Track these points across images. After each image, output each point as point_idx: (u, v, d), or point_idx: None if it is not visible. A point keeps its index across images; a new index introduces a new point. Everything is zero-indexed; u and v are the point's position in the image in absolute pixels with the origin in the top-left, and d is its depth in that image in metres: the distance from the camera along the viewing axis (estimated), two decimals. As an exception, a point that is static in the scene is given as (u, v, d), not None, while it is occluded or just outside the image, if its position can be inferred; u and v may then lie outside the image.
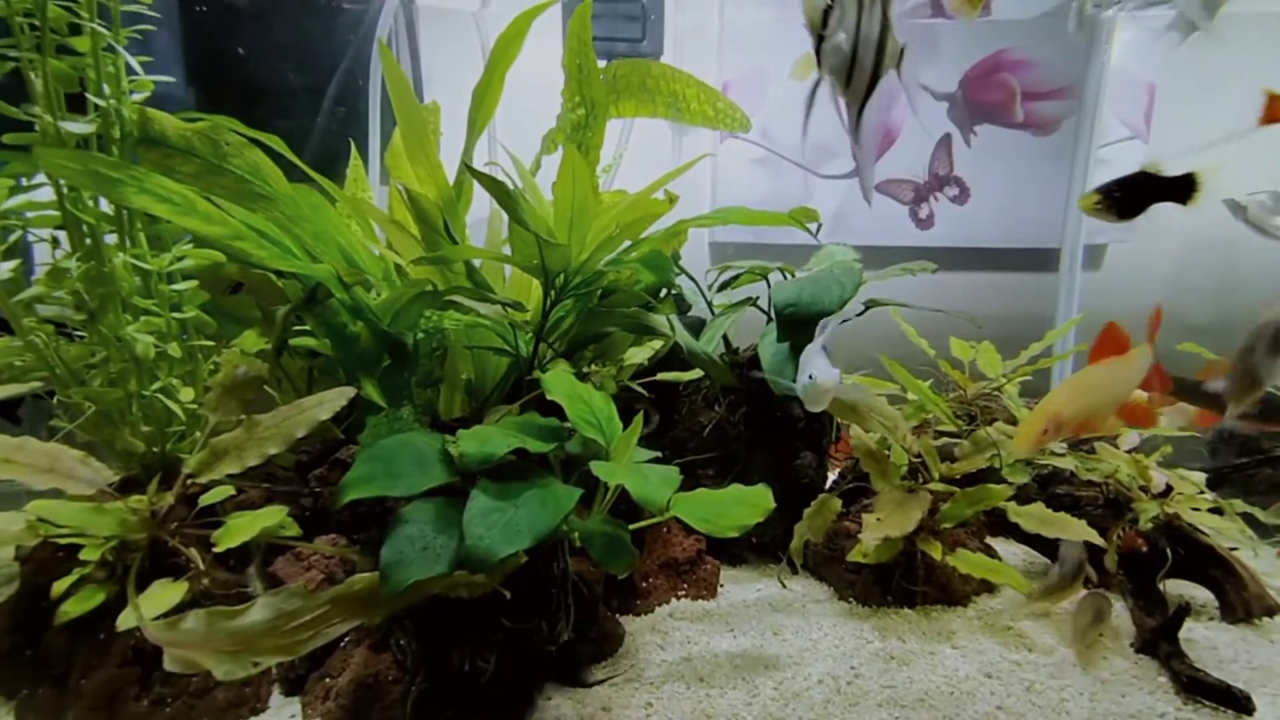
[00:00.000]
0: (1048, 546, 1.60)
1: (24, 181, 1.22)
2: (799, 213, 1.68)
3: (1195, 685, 1.14)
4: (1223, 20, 1.61)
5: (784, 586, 1.54)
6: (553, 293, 1.44)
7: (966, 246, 2.74)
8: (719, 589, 1.52)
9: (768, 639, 1.32)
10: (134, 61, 1.25)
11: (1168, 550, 1.37)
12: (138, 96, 1.28)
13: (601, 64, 1.71)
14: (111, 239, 1.27)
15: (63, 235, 1.24)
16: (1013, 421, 1.66)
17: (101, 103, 1.21)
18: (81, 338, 1.28)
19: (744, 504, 1.23)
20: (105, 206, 1.27)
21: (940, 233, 2.74)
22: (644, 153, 2.36)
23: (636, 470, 1.15)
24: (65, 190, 1.18)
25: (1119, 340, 1.09)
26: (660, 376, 1.70)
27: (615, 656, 1.25)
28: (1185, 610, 1.24)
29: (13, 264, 1.13)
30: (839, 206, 2.75)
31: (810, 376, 1.14)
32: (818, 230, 1.75)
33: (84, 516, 1.04)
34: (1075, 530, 1.33)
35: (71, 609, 1.00)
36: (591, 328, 1.59)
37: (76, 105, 1.22)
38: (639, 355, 1.72)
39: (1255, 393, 1.10)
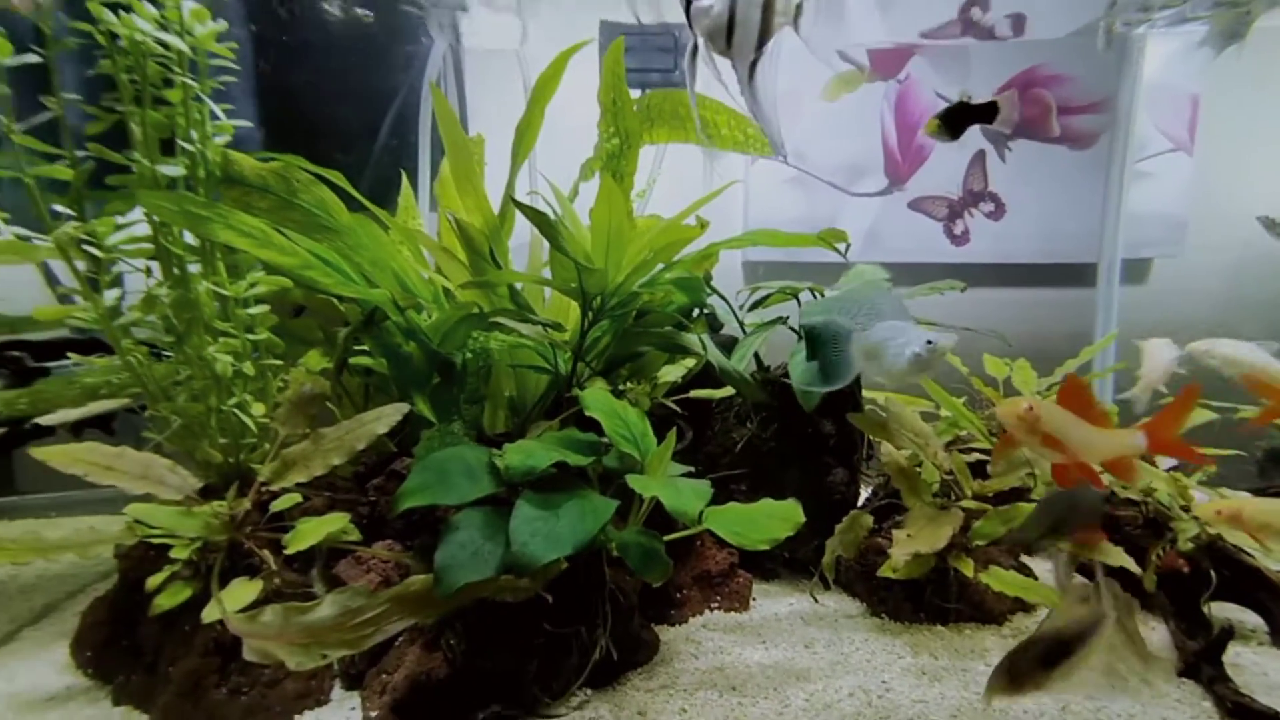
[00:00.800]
0: (1083, 565, 1.59)
1: (120, 219, 1.37)
2: (828, 234, 1.73)
3: (1241, 710, 1.12)
4: (1260, 33, 1.60)
5: (816, 601, 1.57)
6: (590, 314, 1.52)
7: (1003, 262, 2.72)
8: (751, 602, 1.56)
9: (799, 651, 1.35)
10: (217, 109, 1.39)
11: (1211, 572, 1.35)
12: (220, 139, 1.42)
13: (635, 94, 1.80)
14: (195, 268, 1.42)
15: (155, 265, 1.39)
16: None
17: (190, 147, 1.35)
18: (168, 357, 1.41)
19: (775, 518, 1.27)
20: (190, 239, 1.41)
21: (976, 249, 2.73)
22: (678, 175, 2.44)
23: (670, 483, 1.21)
24: (159, 226, 1.33)
25: (1080, 395, 1.05)
26: (693, 394, 1.76)
27: (650, 664, 1.30)
28: (1229, 633, 1.22)
29: (116, 293, 1.27)
30: (872, 224, 2.77)
31: (929, 342, 1.08)
32: (846, 250, 1.79)
33: (174, 519, 1.15)
34: (1110, 554, 1.32)
35: (164, 602, 1.11)
36: (627, 347, 1.66)
37: (167, 150, 1.37)
38: (673, 373, 1.79)
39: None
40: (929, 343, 1.09)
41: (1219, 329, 2.61)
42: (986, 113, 1.60)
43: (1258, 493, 1.71)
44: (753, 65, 1.05)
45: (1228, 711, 1.14)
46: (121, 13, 1.20)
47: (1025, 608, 1.50)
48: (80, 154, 1.26)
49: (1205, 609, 1.34)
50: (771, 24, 1.04)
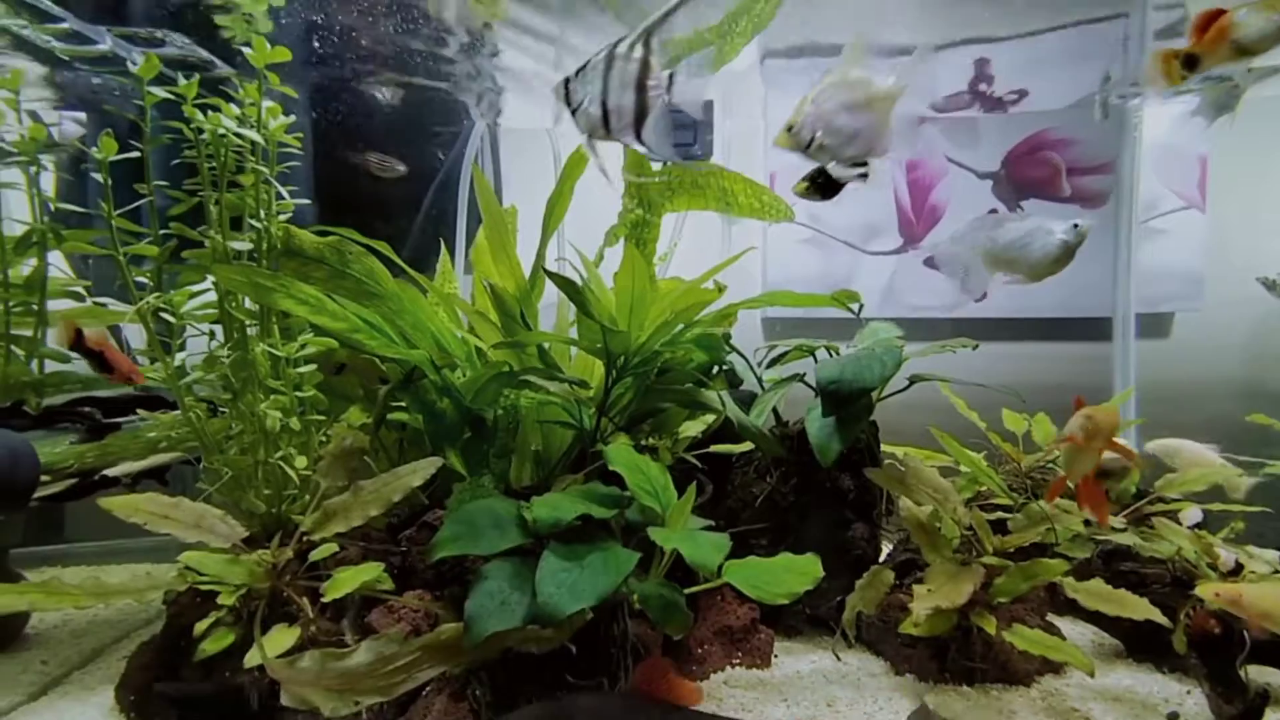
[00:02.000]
0: (1116, 625, 1.56)
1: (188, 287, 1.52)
2: (841, 295, 1.81)
3: (1281, 780, 1.09)
4: (1259, 102, 1.67)
5: (838, 659, 1.56)
6: (614, 372, 1.60)
7: (1021, 317, 2.75)
8: (773, 659, 1.55)
9: (822, 710, 1.34)
10: (283, 190, 1.55)
11: (1245, 633, 1.32)
12: (282, 217, 1.58)
13: (656, 166, 1.94)
14: (253, 331, 1.55)
15: (217, 329, 1.53)
16: (1069, 496, 1.65)
17: (257, 224, 1.50)
18: (223, 413, 1.53)
19: (794, 571, 1.30)
20: (248, 304, 1.55)
21: (994, 304, 2.77)
22: (698, 239, 2.57)
23: (690, 536, 1.25)
24: (224, 293, 1.47)
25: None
26: (713, 449, 1.81)
27: (672, 719, 1.31)
28: (1265, 697, 1.19)
29: (184, 355, 1.39)
30: (889, 281, 2.85)
31: (1075, 225, 1.11)
32: (859, 310, 1.85)
33: (223, 567, 1.23)
34: (1137, 609, 1.31)
35: (209, 647, 1.17)
36: (649, 403, 1.73)
37: (234, 225, 1.53)
38: (693, 429, 1.85)
39: None
40: (1075, 225, 1.12)
41: (1243, 383, 2.59)
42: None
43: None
44: (638, 136, 1.15)
45: (1270, 781, 1.10)
46: (209, 112, 1.38)
47: (1055, 669, 1.47)
48: (163, 232, 1.42)
49: (1242, 672, 1.30)
50: (648, 102, 1.12)
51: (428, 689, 1.24)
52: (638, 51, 1.10)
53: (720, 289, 1.68)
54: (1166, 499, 1.64)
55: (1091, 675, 1.34)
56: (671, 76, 1.11)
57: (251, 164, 1.48)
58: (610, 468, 1.36)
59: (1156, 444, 1.76)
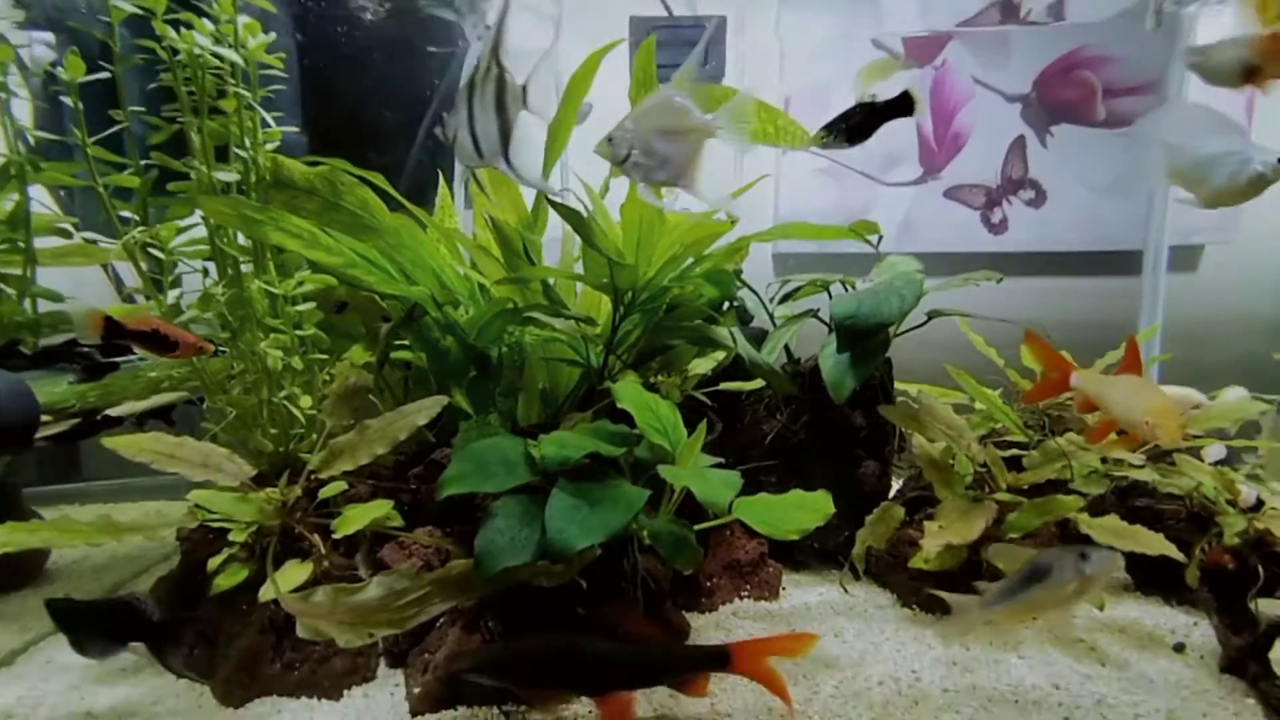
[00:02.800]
0: (1130, 560, 1.56)
1: (180, 223, 1.46)
2: (859, 226, 1.72)
3: (1287, 708, 1.10)
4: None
5: (846, 591, 1.57)
6: (622, 308, 1.55)
7: (1044, 250, 2.65)
8: (781, 591, 1.57)
9: (829, 640, 1.36)
10: (268, 116, 1.46)
11: (1259, 567, 1.31)
12: (270, 146, 1.49)
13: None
14: (248, 268, 1.49)
15: (211, 266, 1.47)
16: (1085, 432, 1.62)
17: (243, 154, 1.42)
18: (223, 352, 1.50)
19: (804, 508, 1.29)
20: (242, 240, 1.49)
21: (1014, 237, 2.67)
22: (708, 169, 2.44)
23: (700, 474, 1.23)
24: (215, 228, 1.41)
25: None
26: (723, 386, 1.77)
27: (681, 649, 1.33)
28: (1276, 629, 1.19)
29: (177, 293, 1.35)
30: (907, 214, 2.73)
31: (1278, 160, 1.02)
32: (879, 242, 1.77)
33: (232, 504, 1.23)
34: (1151, 543, 1.30)
35: (224, 582, 1.18)
36: (658, 340, 1.68)
37: (221, 155, 1.45)
38: (703, 366, 1.81)
39: None
40: (1278, 161, 1.03)
41: (1274, 319, 2.51)
42: (899, 108, 1.52)
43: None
44: (506, 158, 1.14)
45: (1273, 709, 1.11)
46: (182, 29, 1.27)
47: (1062, 602, 1.48)
48: (144, 163, 1.34)
49: (1252, 605, 1.30)
50: (509, 120, 1.13)
51: (441, 621, 1.26)
52: (493, 70, 1.08)
53: (732, 220, 1.60)
54: (1189, 436, 1.61)
55: (1101, 609, 1.35)
56: (525, 89, 1.09)
57: (233, 88, 1.39)
58: (619, 406, 1.33)
59: None
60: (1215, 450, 1.50)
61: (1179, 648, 1.31)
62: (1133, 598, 1.54)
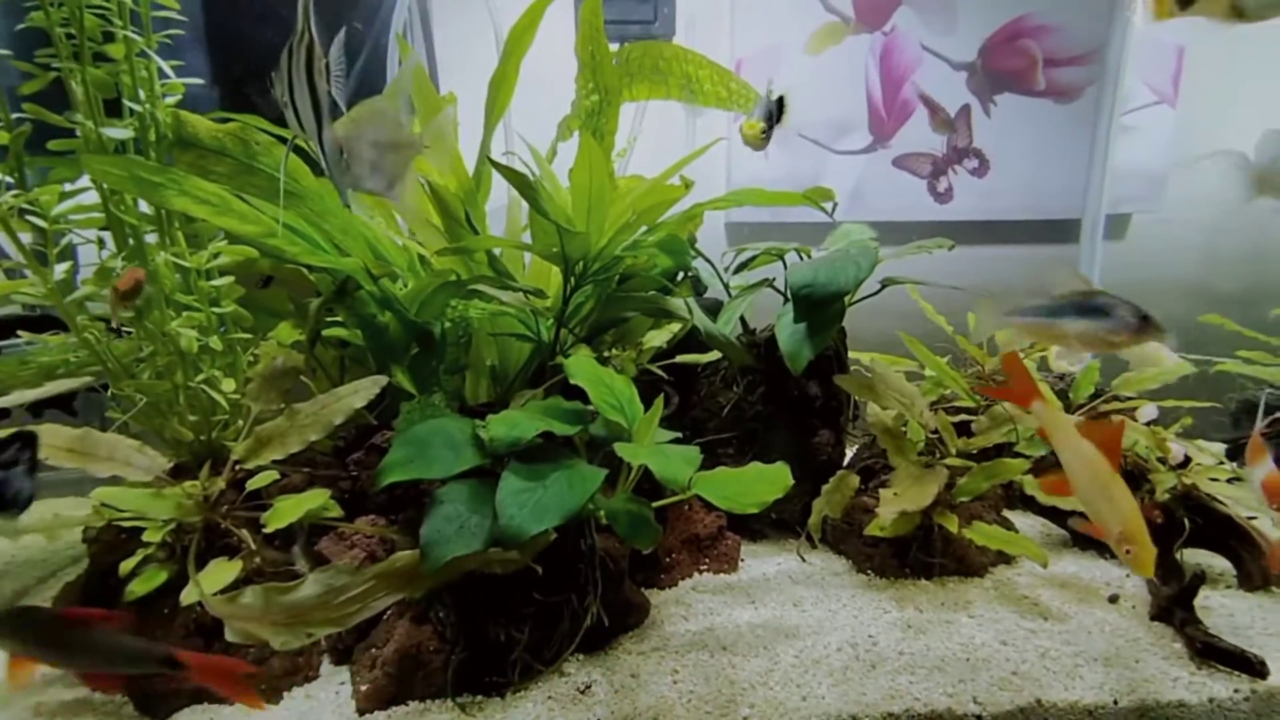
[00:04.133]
0: (1062, 518, 1.63)
1: (68, 186, 1.28)
2: (814, 193, 1.69)
3: (1210, 651, 1.17)
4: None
5: (803, 560, 1.59)
6: (573, 279, 1.47)
7: (987, 220, 2.71)
8: (740, 563, 1.57)
9: (788, 610, 1.37)
10: (165, 66, 1.30)
11: (1185, 520, 1.38)
12: (170, 100, 1.33)
13: (614, 47, 1.71)
14: (152, 239, 1.34)
15: (107, 236, 1.31)
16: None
17: (137, 108, 1.26)
18: (129, 333, 1.35)
19: (764, 481, 1.27)
20: (144, 208, 1.33)
21: (960, 206, 2.71)
22: (658, 135, 2.36)
23: (658, 451, 1.19)
24: (109, 194, 1.25)
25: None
26: (679, 359, 1.73)
27: (641, 627, 1.31)
28: (1200, 578, 1.26)
29: (65, 266, 1.19)
30: (856, 184, 2.73)
31: None
32: (833, 209, 1.75)
33: (144, 501, 1.11)
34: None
35: (138, 588, 1.07)
36: (611, 312, 1.62)
37: (113, 111, 1.27)
38: (658, 338, 1.76)
39: None
40: None
41: (1196, 285, 2.65)
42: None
43: (1230, 443, 1.76)
44: (319, 130, 1.07)
45: (1197, 651, 1.18)
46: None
47: (1007, 560, 1.54)
48: (16, 116, 1.16)
49: (1178, 556, 1.38)
50: (319, 97, 1.05)
51: (389, 613, 1.19)
52: (306, 39, 1.00)
53: (687, 185, 1.54)
54: (1122, 397, 1.68)
55: (1045, 566, 1.40)
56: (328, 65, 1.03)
57: (121, 30, 1.22)
58: (572, 381, 1.27)
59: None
60: (1148, 410, 1.57)
61: (1113, 599, 1.38)
62: (1070, 554, 1.61)
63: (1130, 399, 1.67)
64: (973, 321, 1.95)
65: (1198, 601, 1.26)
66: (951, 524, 1.39)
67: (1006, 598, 1.40)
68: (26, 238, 1.20)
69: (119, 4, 1.21)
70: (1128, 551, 0.97)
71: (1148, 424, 1.52)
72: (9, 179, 1.19)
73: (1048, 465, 1.57)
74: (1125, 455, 1.51)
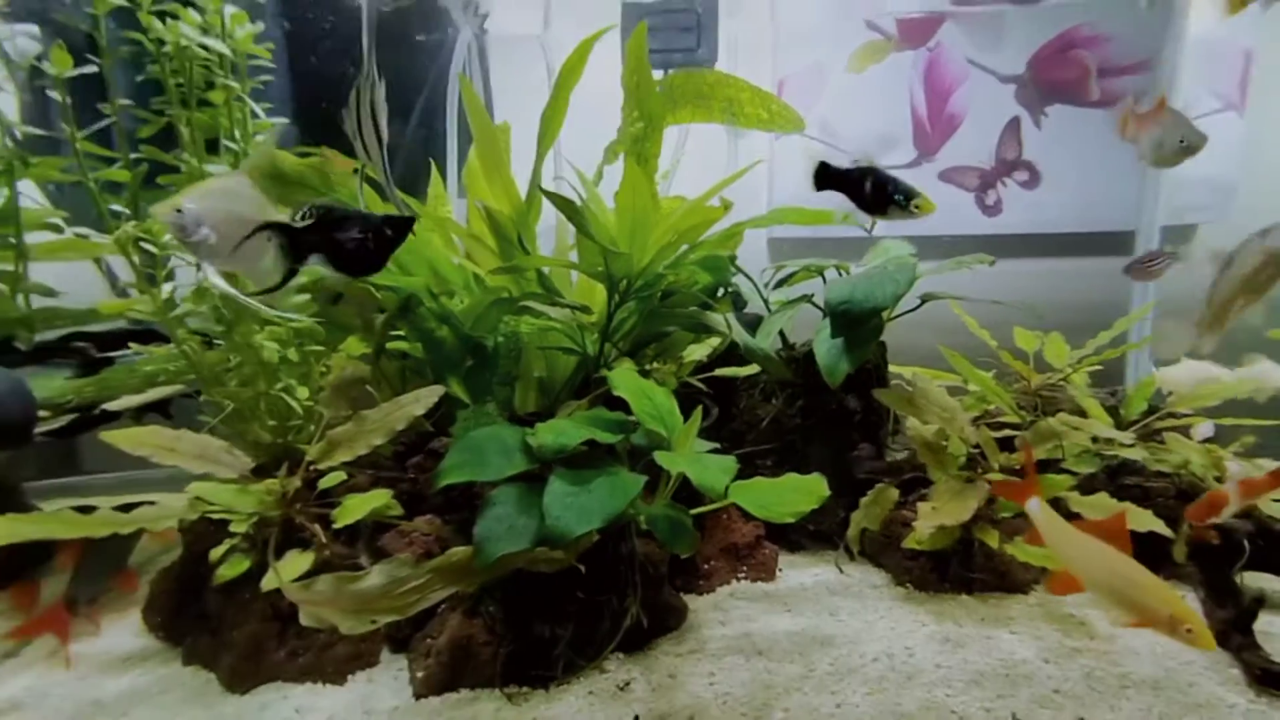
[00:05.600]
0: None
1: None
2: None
3: (1269, 678, 1.13)
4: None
5: (841, 572, 1.60)
6: (617, 296, 1.55)
7: (1038, 232, 2.65)
8: (777, 573, 1.60)
9: (824, 619, 1.39)
10: (257, 108, 1.45)
11: (1244, 542, 1.33)
12: (260, 137, 1.49)
13: (658, 75, 1.80)
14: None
15: (204, 259, 1.47)
16: (1078, 412, 1.64)
17: (233, 145, 1.42)
18: (219, 345, 1.50)
19: (800, 491, 1.30)
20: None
21: (1009, 219, 2.67)
22: (701, 155, 2.44)
23: (696, 459, 1.25)
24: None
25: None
26: (719, 372, 1.78)
27: (679, 630, 1.35)
28: (1260, 601, 1.21)
29: (171, 286, 1.35)
30: (901, 197, 2.72)
31: None
32: (872, 226, 1.77)
33: (232, 496, 1.24)
34: (1139, 520, 1.32)
35: (226, 573, 1.20)
36: (653, 327, 1.69)
37: (212, 149, 1.44)
38: (698, 352, 1.82)
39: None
40: None
41: (1267, 298, 2.51)
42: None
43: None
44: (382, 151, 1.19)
45: (1255, 678, 1.14)
46: (168, 20, 1.26)
47: (1053, 579, 1.51)
48: (134, 156, 1.33)
49: (1237, 579, 1.33)
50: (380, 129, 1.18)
51: (442, 607, 1.28)
52: (370, 79, 1.11)
53: (726, 206, 1.60)
54: (1178, 414, 1.63)
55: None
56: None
57: (221, 79, 1.38)
58: (615, 393, 1.34)
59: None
60: (1204, 428, 1.52)
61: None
62: (1122, 574, 1.56)
63: (1186, 416, 1.61)
64: (1019, 336, 1.93)
65: (1257, 626, 1.21)
66: (992, 539, 1.39)
67: (1050, 615, 1.37)
68: (137, 261, 1.37)
69: (220, 55, 1.37)
70: (1188, 631, 0.92)
71: (1203, 442, 1.48)
72: (126, 210, 1.36)
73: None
74: (1179, 474, 1.47)
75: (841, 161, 1.44)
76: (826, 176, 1.42)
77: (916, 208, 1.30)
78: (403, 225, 1.12)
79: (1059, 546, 1.06)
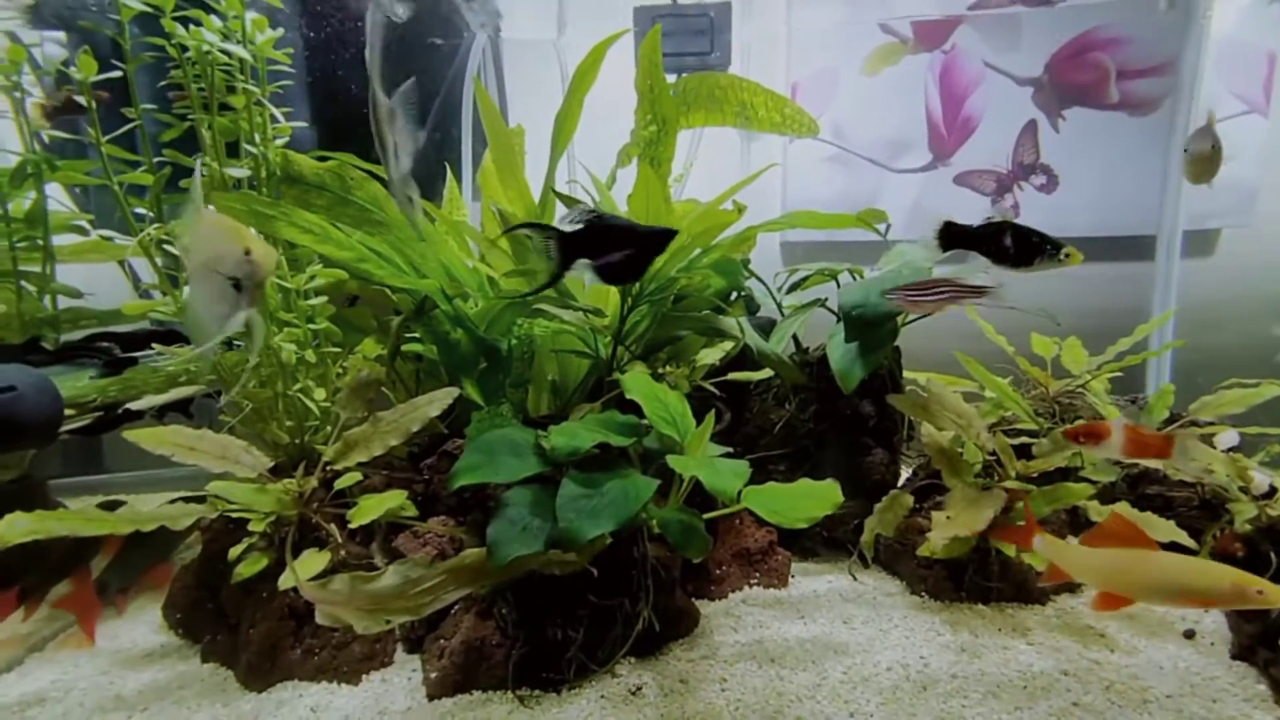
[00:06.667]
0: (1137, 548, 1.55)
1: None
2: (867, 214, 1.71)
3: (1296, 694, 1.10)
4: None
5: (855, 579, 1.59)
6: (629, 299, 1.55)
7: (1056, 236, 2.62)
8: (790, 579, 1.59)
9: (838, 627, 1.38)
10: (277, 112, 1.48)
11: (1270, 554, 1.30)
12: (279, 141, 1.51)
13: (671, 78, 1.80)
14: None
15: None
16: (1097, 419, 1.61)
17: (253, 150, 1.44)
18: (239, 346, 1.52)
19: (812, 497, 1.30)
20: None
21: (1026, 223, 2.64)
22: (714, 158, 2.44)
23: (708, 463, 1.24)
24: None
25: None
26: (731, 376, 1.78)
27: (691, 636, 1.35)
28: (1287, 616, 1.19)
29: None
30: (916, 200, 2.71)
31: None
32: (887, 230, 1.76)
33: (250, 495, 1.25)
34: (1161, 530, 1.30)
35: (244, 571, 1.21)
36: (666, 331, 1.69)
37: (233, 153, 1.46)
38: (711, 356, 1.81)
39: None
40: None
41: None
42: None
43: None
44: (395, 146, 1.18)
45: (1283, 695, 1.11)
46: (191, 26, 1.29)
47: (1071, 588, 1.49)
48: (156, 160, 1.36)
49: (1264, 592, 1.30)
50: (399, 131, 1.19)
51: (455, 608, 1.29)
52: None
53: (740, 209, 1.60)
54: (1200, 422, 1.60)
55: (1110, 595, 1.35)
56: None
57: (241, 84, 1.40)
58: (628, 397, 1.34)
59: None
60: (1228, 437, 1.49)
61: (1189, 634, 1.32)
62: (1143, 584, 1.53)
63: (1209, 424, 1.58)
64: (1035, 342, 1.91)
65: (1284, 641, 1.19)
66: (1008, 548, 1.37)
67: (1069, 627, 1.35)
68: (160, 263, 1.39)
69: (241, 61, 1.39)
70: (1259, 593, 0.89)
71: (1228, 451, 1.45)
72: (149, 213, 1.39)
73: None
74: (1202, 484, 1.44)
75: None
76: (952, 236, 1.37)
77: (1066, 256, 1.28)
78: (663, 238, 1.14)
79: (1085, 572, 1.05)
